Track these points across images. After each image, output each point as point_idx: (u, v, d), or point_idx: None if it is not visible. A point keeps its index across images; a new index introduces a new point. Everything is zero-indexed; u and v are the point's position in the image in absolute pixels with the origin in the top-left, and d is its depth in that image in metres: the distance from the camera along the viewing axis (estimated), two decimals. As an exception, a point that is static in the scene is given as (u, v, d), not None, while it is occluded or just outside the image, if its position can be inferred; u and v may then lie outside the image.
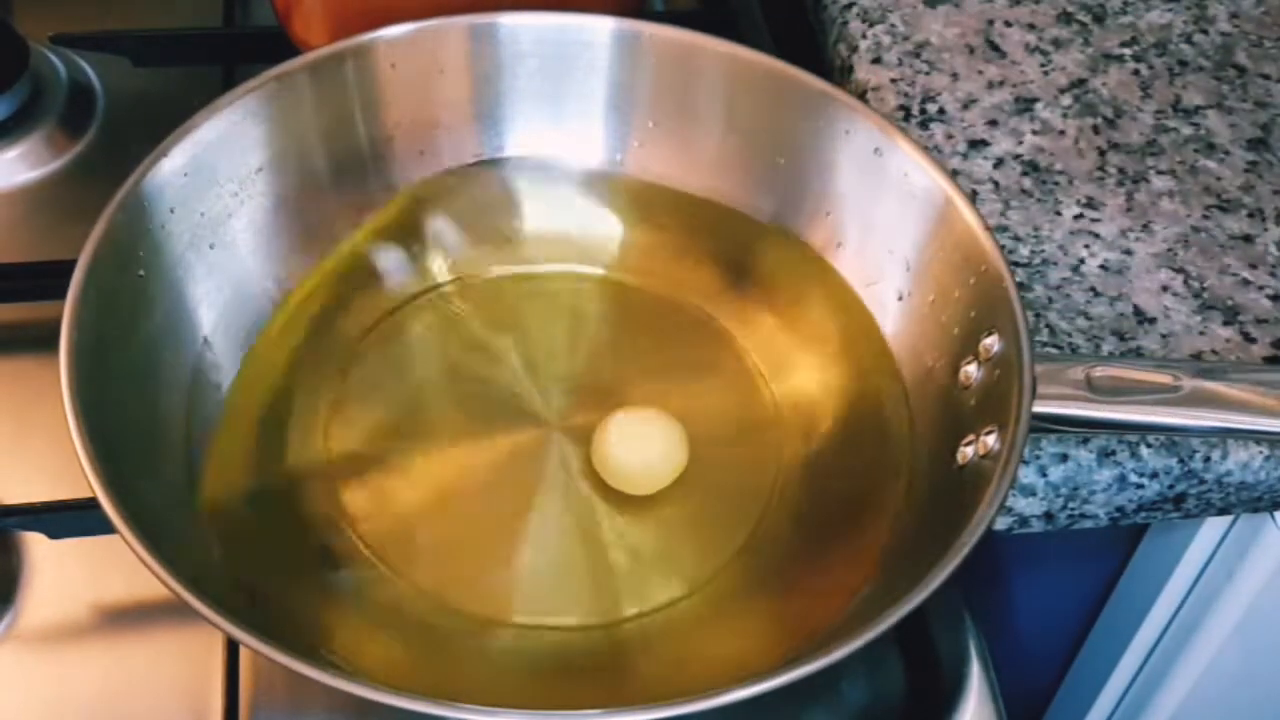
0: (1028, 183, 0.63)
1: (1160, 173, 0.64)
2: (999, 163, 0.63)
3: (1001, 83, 0.67)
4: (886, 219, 0.56)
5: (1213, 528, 0.65)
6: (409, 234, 0.60)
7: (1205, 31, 0.70)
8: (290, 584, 0.49)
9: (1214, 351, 0.57)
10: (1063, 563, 0.73)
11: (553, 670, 0.49)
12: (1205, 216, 0.62)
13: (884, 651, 0.53)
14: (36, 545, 0.53)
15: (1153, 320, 0.58)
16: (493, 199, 0.61)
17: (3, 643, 0.51)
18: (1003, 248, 0.52)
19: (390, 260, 0.59)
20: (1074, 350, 0.56)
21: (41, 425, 0.56)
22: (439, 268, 0.59)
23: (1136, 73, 0.68)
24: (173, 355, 0.53)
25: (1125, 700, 0.77)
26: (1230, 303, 0.58)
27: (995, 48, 0.68)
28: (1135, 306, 0.58)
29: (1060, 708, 0.82)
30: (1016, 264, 0.59)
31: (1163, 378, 0.49)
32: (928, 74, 0.67)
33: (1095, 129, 0.65)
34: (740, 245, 0.60)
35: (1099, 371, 0.49)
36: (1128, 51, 0.69)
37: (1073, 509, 0.55)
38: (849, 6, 0.70)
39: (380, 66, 0.58)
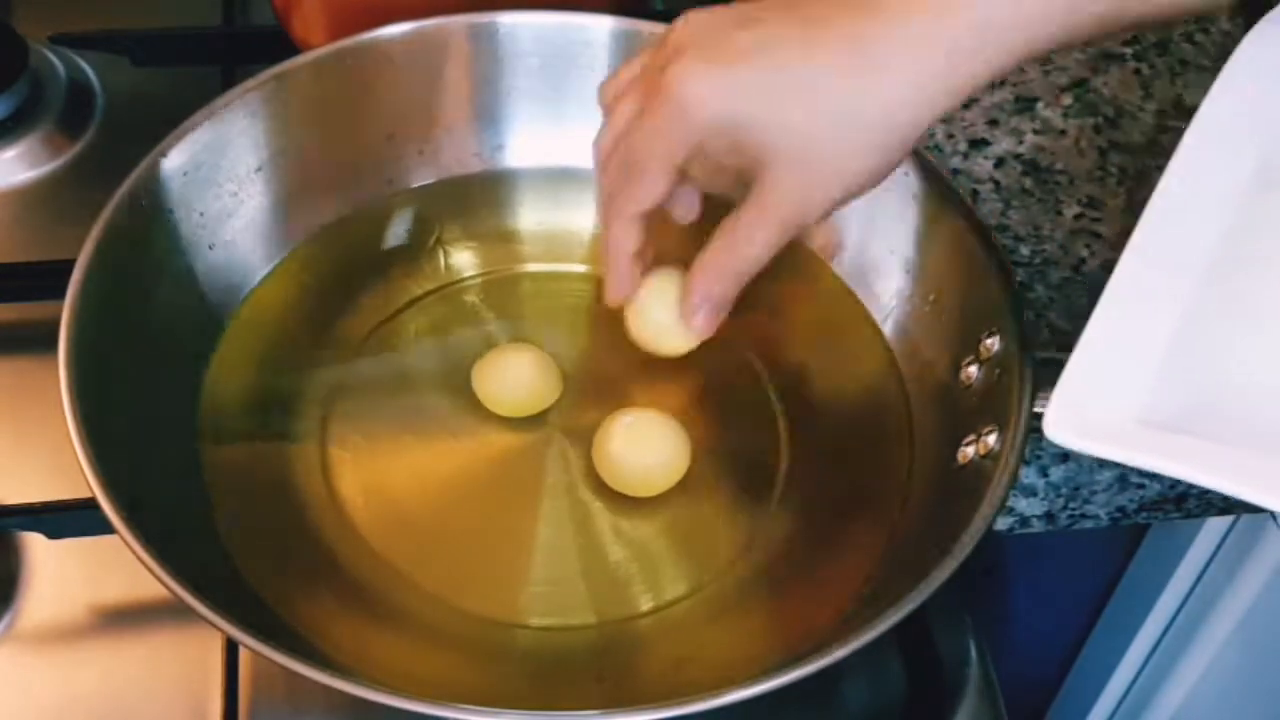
0: (1029, 182, 0.63)
1: (1161, 172, 0.63)
2: (1000, 162, 0.63)
3: (1002, 82, 0.67)
4: (887, 219, 0.56)
5: (1214, 528, 0.65)
6: (409, 234, 0.60)
7: (1206, 31, 0.70)
8: (290, 583, 0.48)
9: (1215, 351, 0.57)
10: (1064, 563, 0.73)
11: (553, 670, 0.48)
12: (1206, 216, 0.62)
13: (884, 651, 0.53)
14: (36, 545, 0.53)
15: (1154, 320, 0.58)
16: (492, 198, 0.61)
17: (2, 643, 0.51)
18: (1004, 247, 0.52)
19: (391, 261, 0.59)
20: (1075, 350, 0.56)
21: (41, 425, 0.56)
22: (439, 268, 0.59)
23: (1137, 72, 0.68)
24: (172, 355, 0.53)
25: (1127, 699, 0.77)
26: (1231, 302, 0.58)
27: (996, 47, 0.68)
28: (1136, 306, 0.58)
29: (1062, 708, 0.82)
30: (1017, 264, 0.59)
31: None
32: (928, 73, 0.66)
33: (1096, 128, 0.65)
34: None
35: (1100, 371, 0.49)
36: (1128, 51, 0.69)
37: (1074, 509, 0.55)
38: (849, 6, 0.69)
39: (380, 66, 0.58)
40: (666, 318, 0.51)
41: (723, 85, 0.43)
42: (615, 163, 0.46)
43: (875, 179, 0.44)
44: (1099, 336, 0.42)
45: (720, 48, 0.43)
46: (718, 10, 0.44)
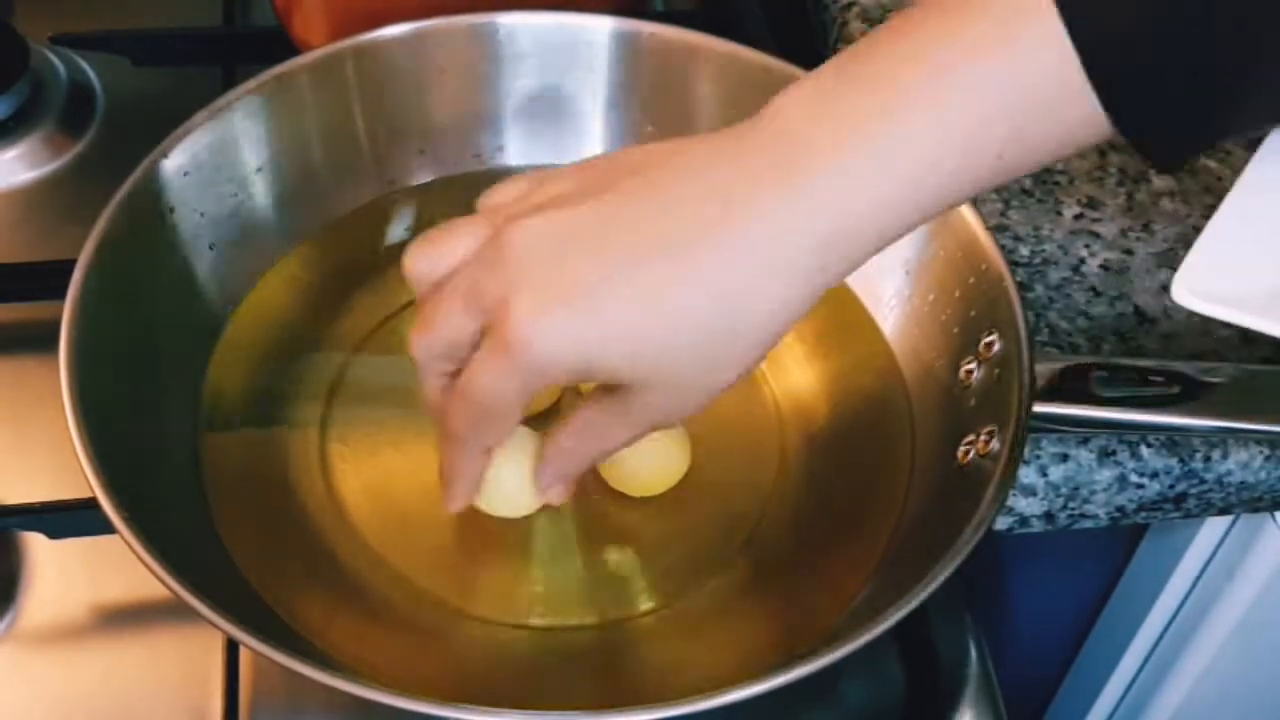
0: (1028, 182, 0.63)
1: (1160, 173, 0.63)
2: (999, 162, 0.63)
3: (1002, 82, 0.66)
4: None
5: (1213, 527, 0.65)
6: (409, 234, 0.60)
7: (1205, 31, 0.70)
8: (290, 583, 0.49)
9: (1214, 351, 0.57)
10: (1063, 563, 0.73)
11: (552, 670, 0.48)
12: (1205, 216, 0.62)
13: (884, 651, 0.53)
14: (37, 545, 0.53)
15: (1153, 320, 0.58)
16: (493, 199, 0.61)
17: (3, 642, 0.51)
18: (1003, 247, 0.52)
19: (391, 260, 0.59)
20: (1074, 350, 0.56)
21: (41, 425, 0.56)
22: (439, 267, 0.59)
23: (1137, 72, 0.68)
24: (172, 354, 0.53)
25: (1126, 699, 0.77)
26: (1231, 302, 0.58)
27: (995, 47, 0.68)
28: (1135, 306, 0.58)
29: (1061, 707, 0.82)
30: (1017, 264, 0.59)
31: (1163, 377, 0.49)
32: (928, 73, 0.66)
33: (1095, 128, 0.65)
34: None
35: (1099, 371, 0.49)
36: (1128, 51, 0.68)
37: (1073, 509, 0.55)
38: (849, 6, 0.70)
39: (380, 66, 0.58)
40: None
41: (577, 332, 0.38)
42: (459, 401, 0.42)
43: (745, 376, 0.41)
44: (1229, 217, 0.42)
45: (565, 283, 0.38)
46: (549, 213, 0.39)
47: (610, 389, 0.42)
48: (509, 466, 0.49)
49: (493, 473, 0.49)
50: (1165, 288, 0.59)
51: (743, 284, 0.38)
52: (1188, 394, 0.49)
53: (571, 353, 0.39)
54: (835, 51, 0.69)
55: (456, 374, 0.42)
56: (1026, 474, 0.54)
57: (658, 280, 0.38)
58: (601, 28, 0.59)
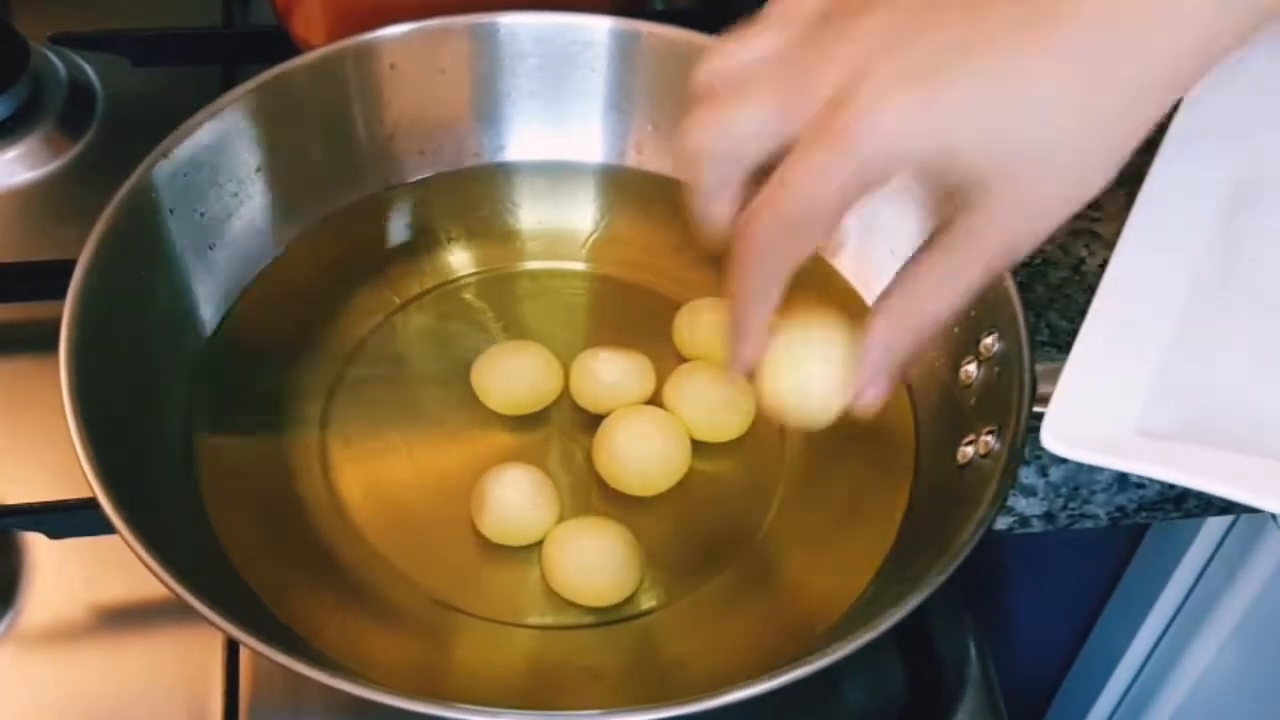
0: (1028, 182, 0.63)
1: (1161, 172, 0.63)
2: (999, 162, 0.63)
3: (1002, 82, 0.66)
4: (887, 219, 0.56)
5: (1213, 528, 0.65)
6: (409, 233, 0.60)
7: (1206, 31, 0.70)
8: (290, 583, 0.49)
9: (1214, 351, 0.57)
10: (1063, 563, 0.73)
11: (552, 669, 0.49)
12: (1206, 216, 0.62)
13: (884, 651, 0.53)
14: (37, 545, 0.53)
15: (1153, 320, 0.58)
16: (493, 198, 0.61)
17: (3, 643, 0.51)
18: (1003, 247, 0.52)
19: (391, 259, 0.59)
20: (1074, 350, 0.56)
21: (41, 425, 0.56)
22: (440, 267, 0.59)
23: (1137, 72, 0.68)
24: (172, 355, 0.53)
25: (1127, 699, 0.77)
26: (1231, 302, 0.58)
27: (995, 47, 0.68)
28: (1136, 306, 0.58)
29: (1061, 707, 0.82)
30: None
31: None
32: (928, 73, 0.66)
33: (1096, 128, 0.65)
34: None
35: (1099, 371, 0.49)
36: (1128, 51, 0.68)
37: (1073, 509, 0.55)
38: (849, 6, 0.70)
39: (380, 66, 0.58)
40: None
41: (930, 114, 0.34)
42: (768, 206, 0.36)
43: (1108, 182, 0.36)
44: (1091, 351, 0.42)
45: (915, 64, 0.34)
46: (879, 10, 0.35)
47: (945, 227, 0.37)
48: (516, 492, 0.50)
49: (500, 497, 0.50)
50: (1165, 287, 0.59)
51: (1113, 53, 0.34)
52: (1188, 394, 0.49)
53: (926, 134, 0.34)
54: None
55: (743, 184, 0.38)
56: (1026, 474, 0.54)
57: (1005, 51, 0.34)
58: (601, 28, 0.59)
